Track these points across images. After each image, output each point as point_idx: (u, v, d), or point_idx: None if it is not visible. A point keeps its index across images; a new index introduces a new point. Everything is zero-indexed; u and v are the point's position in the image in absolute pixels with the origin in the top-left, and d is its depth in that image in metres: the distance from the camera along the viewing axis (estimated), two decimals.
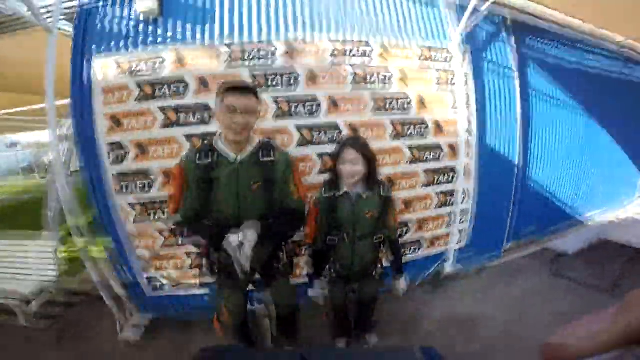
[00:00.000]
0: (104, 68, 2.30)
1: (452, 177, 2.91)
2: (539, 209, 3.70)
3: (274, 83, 2.40)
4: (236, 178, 1.50)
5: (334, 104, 2.49)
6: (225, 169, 1.50)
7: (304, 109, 2.44)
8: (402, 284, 1.97)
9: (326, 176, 1.98)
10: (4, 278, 3.00)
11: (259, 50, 2.37)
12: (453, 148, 2.85)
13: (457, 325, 2.51)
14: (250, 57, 2.36)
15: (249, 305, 1.96)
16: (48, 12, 2.30)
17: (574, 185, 4.04)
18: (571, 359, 0.27)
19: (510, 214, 3.37)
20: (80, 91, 2.32)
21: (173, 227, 2.32)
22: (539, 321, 2.40)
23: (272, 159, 1.55)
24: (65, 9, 2.41)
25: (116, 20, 2.37)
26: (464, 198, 3.01)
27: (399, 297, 2.08)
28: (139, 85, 2.29)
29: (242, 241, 1.41)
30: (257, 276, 1.81)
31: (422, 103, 2.70)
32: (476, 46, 2.93)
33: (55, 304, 3.07)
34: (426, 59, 2.71)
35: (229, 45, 2.35)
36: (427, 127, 2.74)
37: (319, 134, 2.47)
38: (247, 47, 2.36)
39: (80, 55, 2.33)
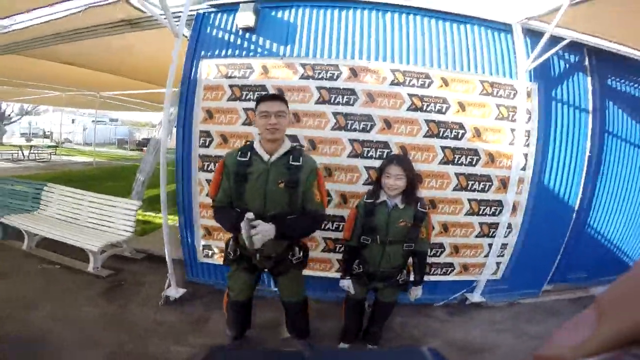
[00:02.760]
0: (208, 69, 2.87)
1: (498, 211, 2.90)
2: (595, 257, 3.39)
3: (336, 100, 2.73)
4: (266, 175, 1.72)
5: (387, 124, 2.72)
6: (259, 166, 1.73)
7: (359, 125, 2.73)
8: (417, 291, 2.11)
9: (369, 187, 2.20)
10: (90, 227, 3.65)
11: (326, 71, 2.74)
12: (504, 182, 2.84)
13: (464, 351, 2.49)
14: (319, 76, 2.75)
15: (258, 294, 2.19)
16: (175, 17, 2.79)
17: None
18: None
19: (558, 257, 3.18)
20: (188, 86, 2.92)
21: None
22: None
23: (299, 163, 1.75)
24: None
25: (221, 31, 2.95)
26: (508, 232, 2.96)
27: (411, 301, 2.20)
28: (230, 87, 2.82)
29: (254, 223, 1.57)
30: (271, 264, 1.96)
31: (477, 134, 2.77)
32: (547, 82, 2.87)
33: (120, 258, 3.64)
34: (487, 94, 2.77)
35: (303, 65, 2.76)
36: (478, 157, 2.79)
37: (370, 149, 2.74)
38: (317, 67, 2.75)
39: (192, 56, 2.94)
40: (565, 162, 2.99)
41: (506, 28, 2.89)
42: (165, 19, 2.60)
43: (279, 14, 2.92)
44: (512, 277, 3.14)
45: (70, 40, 3.69)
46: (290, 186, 1.73)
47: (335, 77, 2.74)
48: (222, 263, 2.15)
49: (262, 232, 1.58)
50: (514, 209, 2.92)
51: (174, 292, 2.90)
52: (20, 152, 12.00)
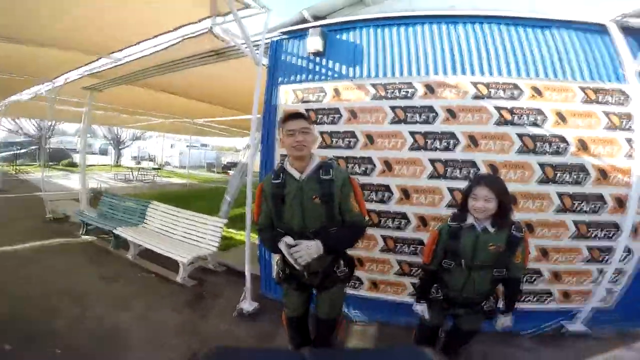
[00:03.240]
0: (286, 94, 3.05)
1: (613, 234, 2.48)
2: None
3: (412, 119, 2.65)
4: (300, 193, 1.74)
5: (473, 141, 2.54)
6: (293, 185, 1.75)
7: (440, 144, 2.59)
8: (505, 320, 1.90)
9: (453, 210, 2.06)
10: (183, 241, 4.10)
11: (399, 90, 2.68)
12: (620, 201, 2.42)
13: None
14: (392, 95, 2.70)
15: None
16: (255, 46, 3.01)
17: None
18: None
19: None
20: (269, 111, 3.12)
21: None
22: None
23: (330, 176, 1.75)
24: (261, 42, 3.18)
25: (294, 57, 3.10)
26: (625, 257, 2.52)
27: (497, 329, 1.96)
28: (307, 111, 2.92)
29: (291, 243, 1.64)
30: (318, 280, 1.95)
31: (582, 147, 2.42)
32: None
33: (203, 270, 4.03)
34: (591, 101, 2.43)
35: (374, 85, 2.74)
36: (587, 174, 2.43)
37: (453, 169, 2.57)
38: (389, 86, 2.71)
39: (271, 82, 3.13)
40: None
41: (599, 28, 2.54)
42: (246, 47, 2.85)
43: (344, 37, 2.98)
44: (623, 307, 2.67)
45: (167, 71, 4.29)
46: (325, 200, 1.72)
47: (409, 95, 2.67)
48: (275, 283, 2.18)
49: (304, 250, 1.61)
50: (635, 230, 2.47)
51: (248, 305, 3.04)
52: (131, 173, 14.10)
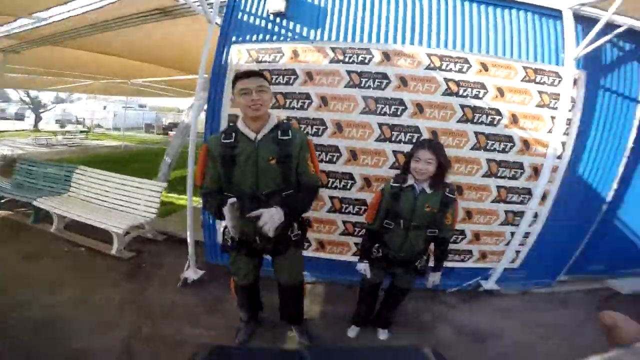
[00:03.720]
0: (239, 54, 2.90)
1: (527, 199, 2.85)
2: (617, 250, 3.30)
3: (366, 84, 2.71)
4: (255, 154, 1.65)
5: (419, 109, 2.69)
6: (246, 146, 1.66)
7: (389, 109, 2.70)
8: (435, 277, 2.09)
9: (396, 172, 2.17)
10: (116, 209, 3.71)
11: (357, 55, 2.71)
12: (536, 170, 2.78)
13: (472, 337, 2.54)
14: (350, 60, 2.72)
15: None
16: (209, 4, 2.84)
17: None
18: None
19: (580, 249, 3.13)
20: (219, 71, 2.96)
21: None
22: (550, 351, 2.35)
23: (289, 137, 1.68)
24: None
25: (252, 17, 2.94)
26: (533, 221, 2.92)
27: (427, 287, 2.18)
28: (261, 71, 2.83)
29: (235, 204, 1.53)
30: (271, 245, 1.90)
31: (514, 121, 2.69)
32: (596, 70, 2.71)
33: (142, 240, 3.68)
34: (529, 80, 2.67)
35: (333, 49, 2.74)
36: (513, 144, 2.72)
37: (399, 133, 2.73)
38: (348, 51, 2.72)
39: (223, 42, 2.95)
40: (605, 152, 2.86)
41: (555, 14, 2.72)
42: (199, 6, 2.65)
43: None
44: (529, 266, 3.13)
45: (105, 30, 3.80)
46: (283, 161, 1.68)
47: (366, 61, 2.70)
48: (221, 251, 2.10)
49: (267, 218, 1.52)
50: (544, 197, 2.87)
51: (193, 274, 2.95)
52: (54, 137, 12.55)
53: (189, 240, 2.91)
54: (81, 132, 15.22)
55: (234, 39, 2.93)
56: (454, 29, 2.72)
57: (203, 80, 2.86)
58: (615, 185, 2.95)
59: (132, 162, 8.88)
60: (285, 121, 1.85)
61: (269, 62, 2.83)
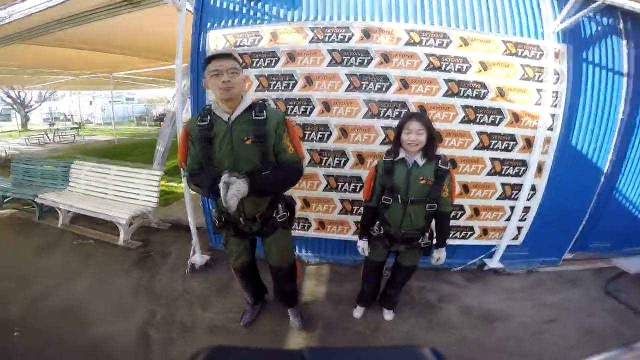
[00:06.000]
0: (216, 40, 2.80)
1: (522, 171, 2.79)
2: (621, 226, 3.23)
3: (349, 62, 2.64)
4: (230, 135, 1.66)
5: (404, 84, 2.62)
6: (220, 127, 1.67)
7: (374, 86, 2.63)
8: (439, 254, 2.05)
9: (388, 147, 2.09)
10: (118, 200, 3.82)
11: (337, 34, 2.64)
12: (529, 141, 2.72)
13: (478, 317, 2.48)
14: (330, 39, 2.65)
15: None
16: None
17: None
18: None
19: (582, 225, 3.06)
20: (197, 59, 2.87)
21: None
22: (559, 334, 2.29)
23: (263, 117, 1.67)
24: None
25: (225, 1, 2.83)
26: (531, 195, 2.86)
27: (432, 265, 2.14)
28: (241, 56, 2.72)
29: (227, 181, 1.53)
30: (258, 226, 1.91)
31: (500, 94, 2.64)
32: (578, 44, 2.68)
33: (147, 229, 3.81)
34: (510, 54, 2.63)
35: (312, 29, 2.66)
36: (502, 117, 2.66)
37: (386, 109, 2.66)
38: (327, 30, 2.65)
39: (198, 28, 2.86)
40: (596, 123, 2.82)
41: None
42: None
43: None
44: (532, 244, 3.06)
45: (73, 25, 3.64)
46: (258, 141, 1.66)
47: (346, 39, 2.63)
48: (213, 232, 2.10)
49: (233, 191, 1.52)
50: (539, 169, 2.81)
51: (199, 259, 3.02)
52: (45, 135, 12.38)
53: (191, 226, 2.95)
54: (72, 128, 14.94)
55: (208, 25, 2.83)
56: (429, 4, 2.67)
57: (180, 69, 2.76)
58: (610, 158, 2.91)
59: (129, 154, 8.93)
60: (261, 102, 1.83)
61: (248, 45, 2.74)
